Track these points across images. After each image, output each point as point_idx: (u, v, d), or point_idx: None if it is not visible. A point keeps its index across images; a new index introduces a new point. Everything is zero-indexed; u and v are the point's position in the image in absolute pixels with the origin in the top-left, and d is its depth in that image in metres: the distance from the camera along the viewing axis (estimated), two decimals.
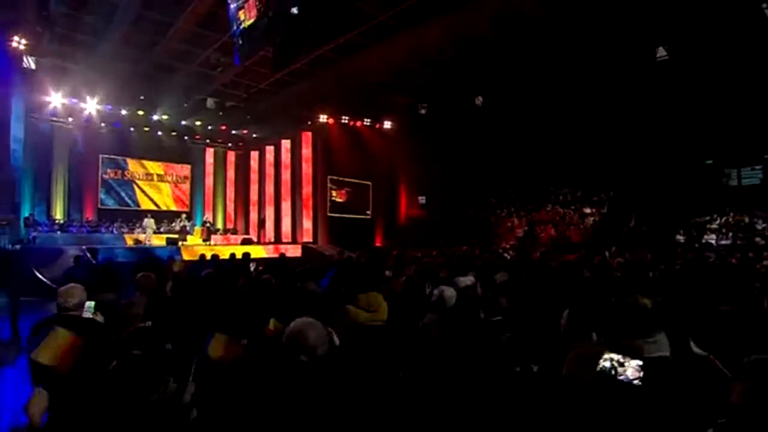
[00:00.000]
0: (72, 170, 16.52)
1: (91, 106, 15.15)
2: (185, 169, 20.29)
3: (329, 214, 18.34)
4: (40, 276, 9.21)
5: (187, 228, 15.67)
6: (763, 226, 11.81)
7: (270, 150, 19.88)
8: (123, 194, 18.45)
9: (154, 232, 15.44)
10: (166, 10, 11.70)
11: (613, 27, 11.55)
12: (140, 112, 15.90)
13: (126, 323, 2.40)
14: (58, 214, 15.81)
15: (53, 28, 12.24)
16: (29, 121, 13.87)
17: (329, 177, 18.60)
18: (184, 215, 17.10)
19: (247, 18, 10.79)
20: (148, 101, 15.65)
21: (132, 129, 17.34)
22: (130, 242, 14.86)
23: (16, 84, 11.94)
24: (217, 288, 3.99)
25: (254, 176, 20.98)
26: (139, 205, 18.61)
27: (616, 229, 13.77)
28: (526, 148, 17.00)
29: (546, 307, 3.08)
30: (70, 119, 15.85)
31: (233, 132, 19.01)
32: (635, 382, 1.53)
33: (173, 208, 19.53)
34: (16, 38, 11.14)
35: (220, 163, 21.46)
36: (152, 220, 15.39)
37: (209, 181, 21.03)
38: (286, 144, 19.03)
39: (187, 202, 20.26)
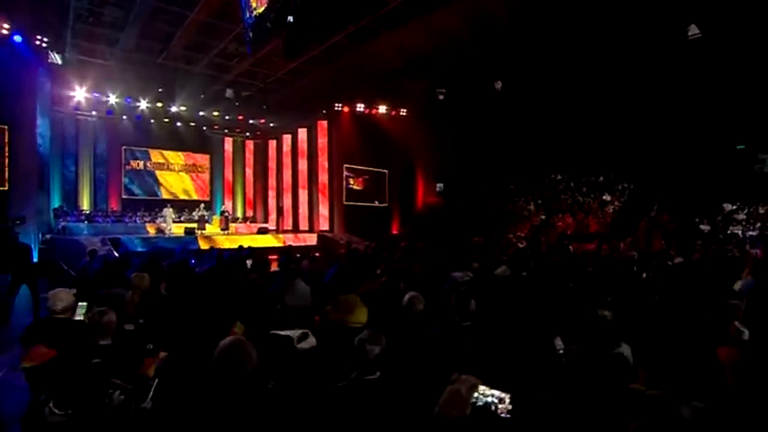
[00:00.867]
0: (97, 162, 17.19)
1: (113, 99, 15.60)
2: (205, 159, 20.75)
3: (345, 203, 18.42)
4: (67, 269, 9.65)
5: (206, 217, 16.08)
6: None
7: (287, 139, 20.04)
8: (145, 184, 19.06)
9: (174, 222, 15.92)
10: (182, 1, 11.84)
11: (641, 3, 10.96)
12: (159, 104, 16.27)
13: (99, 331, 2.50)
14: (85, 205, 16.52)
15: (75, 25, 12.63)
16: (55, 115, 14.43)
17: (345, 165, 18.64)
18: (202, 205, 17.52)
19: (258, 5, 10.81)
20: (166, 93, 16.00)
21: (152, 120, 17.81)
22: (152, 231, 15.38)
23: (41, 80, 12.36)
24: (209, 288, 4.10)
25: (272, 165, 21.26)
26: (161, 195, 19.21)
27: (635, 218, 13.31)
28: (545, 133, 16.56)
29: (513, 313, 3.04)
30: (94, 113, 16.40)
31: (251, 122, 19.24)
32: (504, 415, 1.44)
33: (194, 197, 20.08)
34: (38, 37, 11.50)
35: (239, 152, 21.83)
36: (171, 210, 15.86)
37: (228, 169, 21.47)
38: (302, 133, 19.13)
39: (208, 191, 20.77)
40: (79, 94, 14.83)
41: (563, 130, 16.10)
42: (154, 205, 17.97)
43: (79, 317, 3.33)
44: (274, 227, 20.00)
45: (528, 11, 11.69)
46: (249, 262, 5.39)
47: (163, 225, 15.56)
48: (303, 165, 19.21)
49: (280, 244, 14.68)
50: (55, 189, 15.43)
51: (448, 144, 18.50)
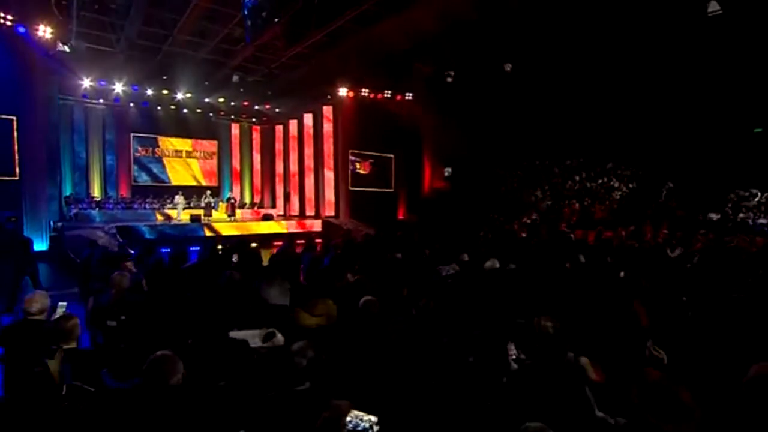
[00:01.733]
0: (106, 149, 17.51)
1: (119, 87, 15.76)
2: (212, 145, 20.92)
3: (351, 188, 18.44)
4: (74, 257, 9.94)
5: (212, 204, 16.31)
6: None
7: (293, 124, 20.04)
8: (155, 171, 19.37)
9: (184, 208, 16.21)
10: None
11: None
12: (165, 92, 16.38)
13: (63, 336, 2.61)
14: (96, 192, 16.92)
15: (80, 13, 12.70)
16: (65, 104, 14.67)
17: (351, 151, 18.59)
18: (208, 191, 17.75)
19: None
20: (172, 80, 16.07)
21: (159, 108, 17.98)
22: (160, 218, 15.70)
23: (47, 70, 12.51)
24: (188, 286, 4.19)
25: (279, 150, 21.33)
26: (170, 181, 19.51)
27: (643, 204, 13.03)
28: (555, 117, 16.21)
29: (465, 313, 3.04)
30: (101, 101, 16.62)
31: (256, 107, 19.26)
32: None
33: (203, 183, 20.35)
34: (41, 27, 11.59)
35: (246, 137, 21.94)
36: (182, 197, 16.15)
37: (236, 155, 21.63)
38: (308, 118, 19.10)
39: (216, 177, 21.01)
40: (86, 82, 15.00)
41: (573, 114, 15.72)
42: (163, 192, 18.30)
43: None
44: (282, 212, 20.22)
45: None
46: (235, 257, 5.42)
47: (174, 212, 15.88)
48: (309, 149, 19.23)
49: (284, 231, 14.86)
50: (67, 177, 15.81)
51: (456, 128, 18.25)
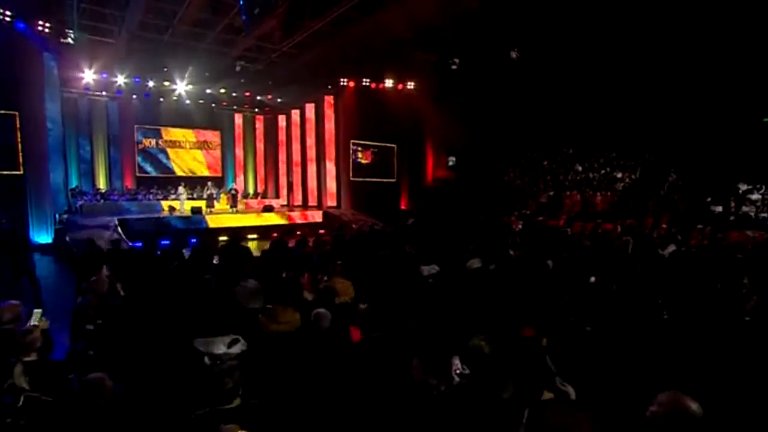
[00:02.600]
0: (111, 141, 17.73)
1: (121, 79, 15.88)
2: (215, 135, 21.04)
3: (353, 179, 18.44)
4: (75, 251, 10.17)
5: (215, 195, 16.46)
6: None
7: (296, 113, 20.03)
8: (159, 162, 19.60)
9: (188, 199, 16.41)
10: None
11: None
12: (166, 83, 16.46)
13: (23, 349, 2.72)
14: (101, 183, 17.22)
15: (80, 5, 12.75)
16: (68, 96, 14.82)
17: (352, 141, 18.54)
18: (210, 183, 17.92)
19: None
20: (173, 71, 16.12)
21: (161, 99, 18.09)
22: (165, 208, 15.92)
23: (48, 64, 12.62)
24: (165, 290, 4.30)
25: (282, 140, 21.37)
26: (174, 172, 19.74)
27: (645, 196, 12.84)
28: (559, 106, 15.94)
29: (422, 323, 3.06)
30: (104, 93, 16.78)
31: (258, 98, 19.27)
32: None
33: (206, 173, 20.54)
34: (41, 22, 11.69)
35: (249, 127, 22.00)
36: (185, 188, 16.35)
37: (239, 145, 21.74)
38: (309, 109, 19.06)
39: (220, 167, 21.17)
40: (88, 75, 15.12)
41: (577, 102, 15.45)
42: (167, 183, 18.54)
43: (34, 323, 3.62)
44: (285, 203, 20.35)
45: None
46: (215, 259, 5.46)
47: (177, 203, 16.07)
48: (311, 140, 19.23)
49: (285, 222, 14.99)
50: (72, 169, 16.10)
51: (459, 116, 18.05)
